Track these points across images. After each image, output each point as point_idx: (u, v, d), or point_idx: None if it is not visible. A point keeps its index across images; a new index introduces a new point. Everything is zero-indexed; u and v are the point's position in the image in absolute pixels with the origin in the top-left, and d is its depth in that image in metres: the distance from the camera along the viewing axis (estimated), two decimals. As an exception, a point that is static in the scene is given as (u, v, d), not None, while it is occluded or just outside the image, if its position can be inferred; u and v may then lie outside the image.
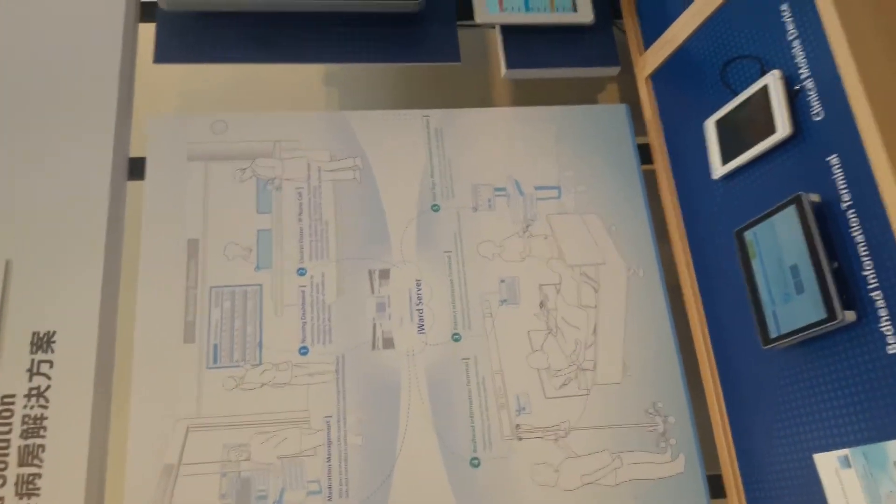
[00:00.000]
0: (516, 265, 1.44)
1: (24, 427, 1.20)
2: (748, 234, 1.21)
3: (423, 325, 1.37)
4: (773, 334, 1.15)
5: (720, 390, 1.34)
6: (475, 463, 1.28)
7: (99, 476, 1.23)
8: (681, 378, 1.38)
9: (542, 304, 1.41)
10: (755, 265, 1.19)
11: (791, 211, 1.11)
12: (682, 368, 1.39)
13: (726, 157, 1.30)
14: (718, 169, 1.32)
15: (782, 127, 1.16)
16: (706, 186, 1.37)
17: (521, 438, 1.30)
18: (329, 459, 1.25)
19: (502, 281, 1.42)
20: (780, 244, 1.14)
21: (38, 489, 1.17)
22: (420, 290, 1.40)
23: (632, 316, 1.42)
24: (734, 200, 1.31)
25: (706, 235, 1.39)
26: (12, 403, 1.21)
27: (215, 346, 1.31)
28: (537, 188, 1.51)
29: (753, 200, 1.25)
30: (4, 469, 1.18)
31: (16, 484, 1.17)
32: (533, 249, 1.45)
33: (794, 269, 1.11)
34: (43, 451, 1.19)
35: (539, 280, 1.43)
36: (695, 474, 1.31)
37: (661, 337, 1.41)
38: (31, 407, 1.21)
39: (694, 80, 1.43)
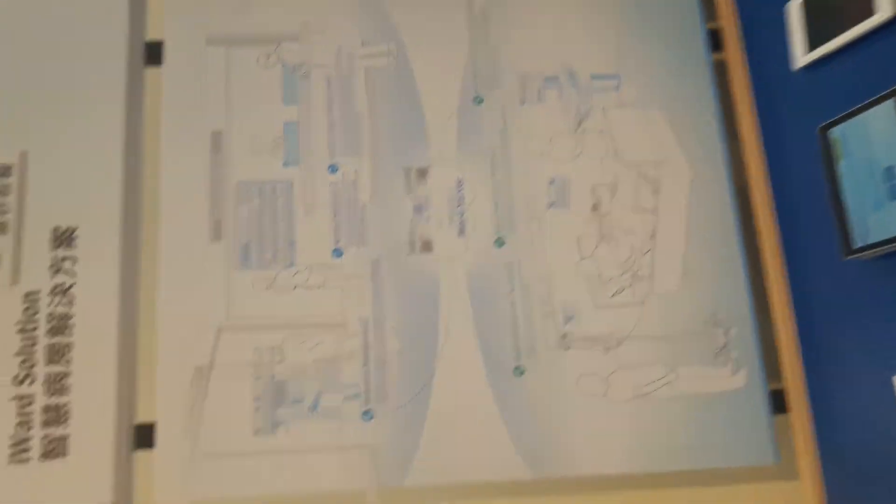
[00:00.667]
0: (567, 164, 1.34)
1: (50, 325, 1.18)
2: (835, 132, 1.09)
3: (463, 229, 1.30)
4: (858, 244, 1.06)
5: (789, 302, 1.26)
6: (519, 371, 1.24)
7: (129, 375, 1.22)
8: (745, 287, 1.30)
9: (594, 207, 1.31)
10: (841, 167, 1.08)
11: (889, 105, 1.00)
12: (747, 277, 1.30)
13: (812, 44, 1.17)
14: (802, 57, 1.19)
15: (884, 7, 1.04)
16: (786, 77, 1.25)
17: (568, 348, 1.25)
18: (366, 364, 1.23)
19: (551, 181, 1.33)
20: (873, 143, 1.03)
21: (67, 388, 1.16)
22: (461, 190, 1.32)
23: (694, 220, 1.32)
24: (819, 93, 1.18)
25: (783, 133, 1.28)
26: (37, 300, 1.19)
27: (245, 245, 1.26)
28: (593, 77, 1.38)
29: (843, 93, 1.12)
30: (33, 367, 1.17)
31: (45, 382, 1.16)
32: (586, 146, 1.35)
33: (889, 172, 1.00)
34: (70, 350, 1.18)
35: (592, 180, 1.33)
36: (756, 389, 1.25)
37: (725, 243, 1.31)
38: (56, 305, 1.19)
39: (777, -46, 1.28)
